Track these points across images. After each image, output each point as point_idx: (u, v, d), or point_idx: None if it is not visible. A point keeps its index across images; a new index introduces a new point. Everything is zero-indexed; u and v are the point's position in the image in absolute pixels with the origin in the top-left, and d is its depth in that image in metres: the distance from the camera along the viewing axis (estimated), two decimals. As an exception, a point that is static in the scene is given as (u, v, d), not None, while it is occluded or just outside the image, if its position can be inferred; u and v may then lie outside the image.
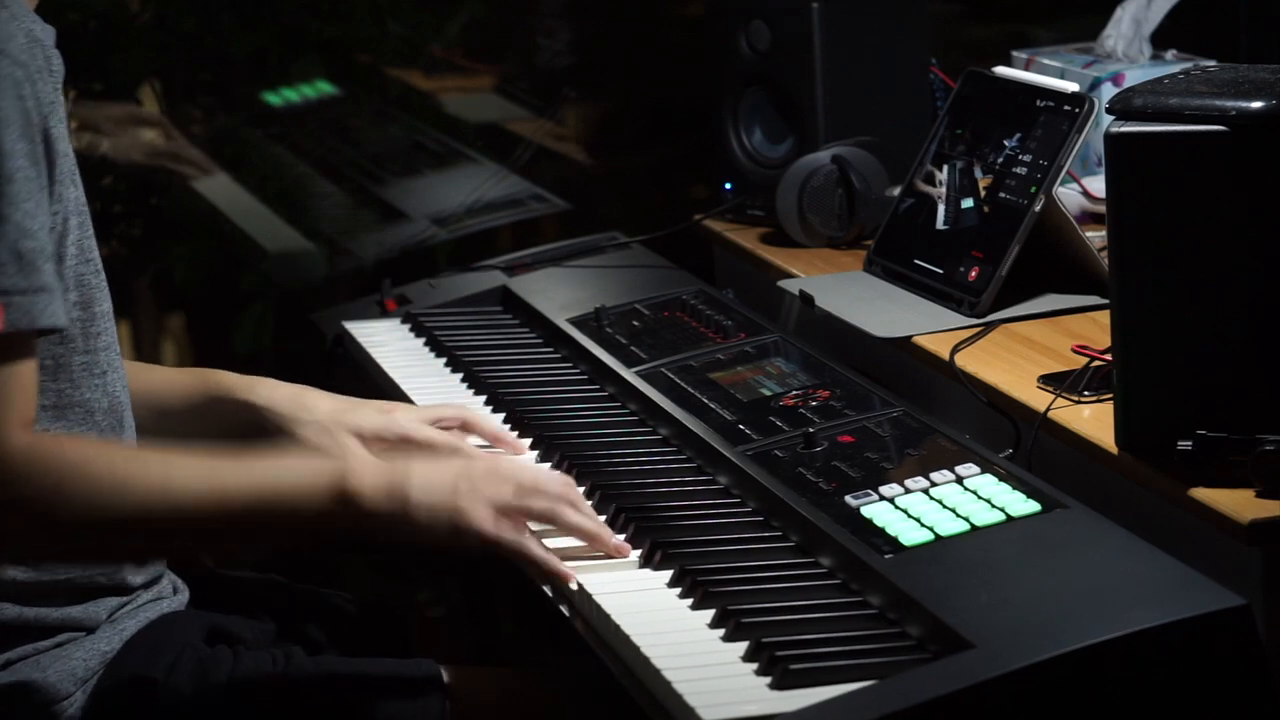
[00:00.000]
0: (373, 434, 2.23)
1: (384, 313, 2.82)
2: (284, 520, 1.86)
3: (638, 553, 1.99)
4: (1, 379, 1.78)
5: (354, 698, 2.07)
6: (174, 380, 2.28)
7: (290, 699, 2.04)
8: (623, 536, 2.04)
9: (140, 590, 2.07)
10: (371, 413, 2.26)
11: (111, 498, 1.79)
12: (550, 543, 1.98)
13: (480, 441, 2.28)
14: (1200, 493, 1.87)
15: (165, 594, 2.10)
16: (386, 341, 2.72)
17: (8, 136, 1.81)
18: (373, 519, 1.86)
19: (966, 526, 1.88)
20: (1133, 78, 2.76)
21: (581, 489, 2.16)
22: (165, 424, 2.25)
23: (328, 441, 2.21)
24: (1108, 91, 2.75)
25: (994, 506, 1.90)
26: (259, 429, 2.26)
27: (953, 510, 1.91)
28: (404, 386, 2.54)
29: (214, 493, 1.82)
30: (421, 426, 2.25)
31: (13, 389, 1.79)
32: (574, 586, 1.93)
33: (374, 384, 2.63)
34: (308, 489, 1.85)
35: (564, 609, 1.95)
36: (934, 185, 2.55)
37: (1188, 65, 2.36)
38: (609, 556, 1.97)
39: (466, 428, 2.27)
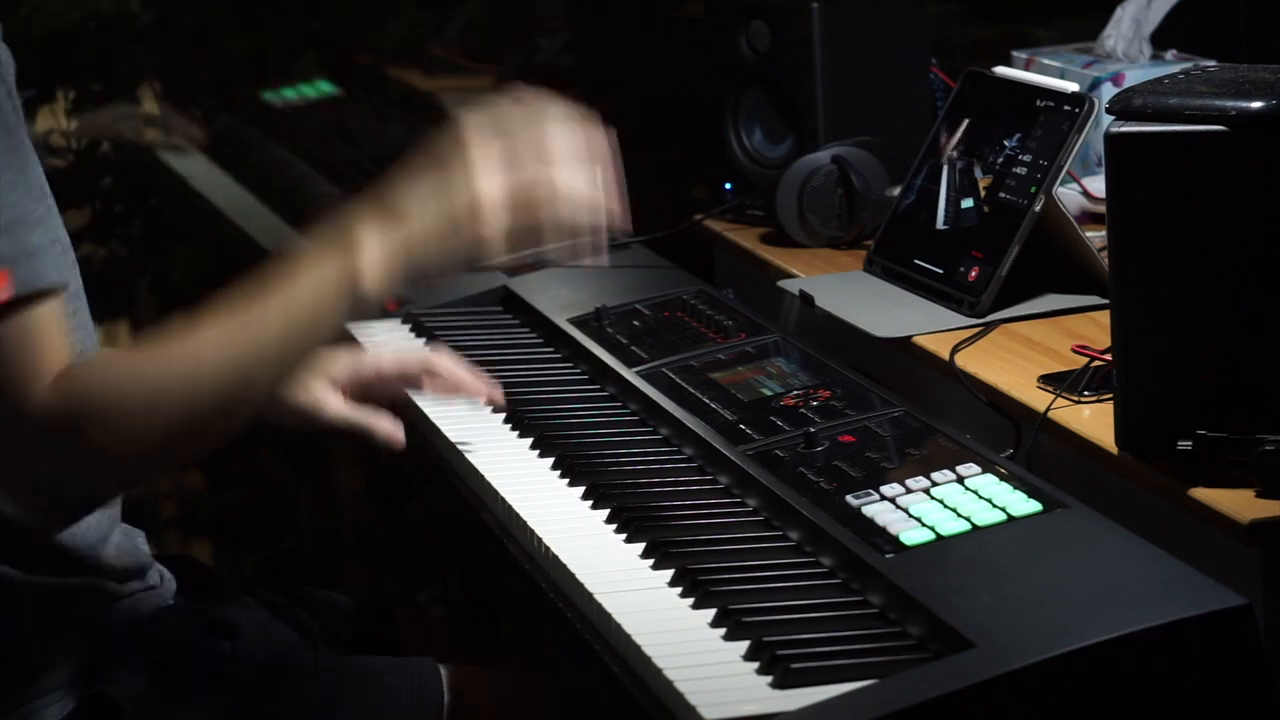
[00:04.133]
0: (346, 378, 2.26)
1: (384, 313, 2.82)
2: (313, 340, 1.83)
3: (638, 547, 1.99)
4: (16, 338, 1.77)
5: (351, 693, 2.07)
6: None
7: (287, 693, 2.05)
8: (623, 536, 2.04)
9: (133, 579, 2.07)
10: (343, 357, 2.27)
11: (150, 415, 1.77)
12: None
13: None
14: (1200, 493, 1.87)
15: (154, 582, 2.10)
16: (387, 341, 2.72)
17: None
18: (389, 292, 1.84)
19: (967, 526, 1.88)
20: (1133, 78, 2.76)
21: (581, 489, 2.17)
22: None
23: (304, 398, 2.21)
24: (1108, 91, 2.75)
25: (995, 506, 1.91)
26: None
27: (954, 510, 1.91)
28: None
29: (244, 360, 1.79)
30: (389, 356, 2.30)
31: (29, 346, 1.77)
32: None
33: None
34: (329, 303, 1.80)
35: (564, 608, 1.95)
36: (948, 154, 2.54)
37: (1188, 65, 2.36)
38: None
39: (430, 371, 2.28)
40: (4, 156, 1.80)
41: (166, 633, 2.06)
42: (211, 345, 1.79)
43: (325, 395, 2.23)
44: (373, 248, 1.78)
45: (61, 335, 1.80)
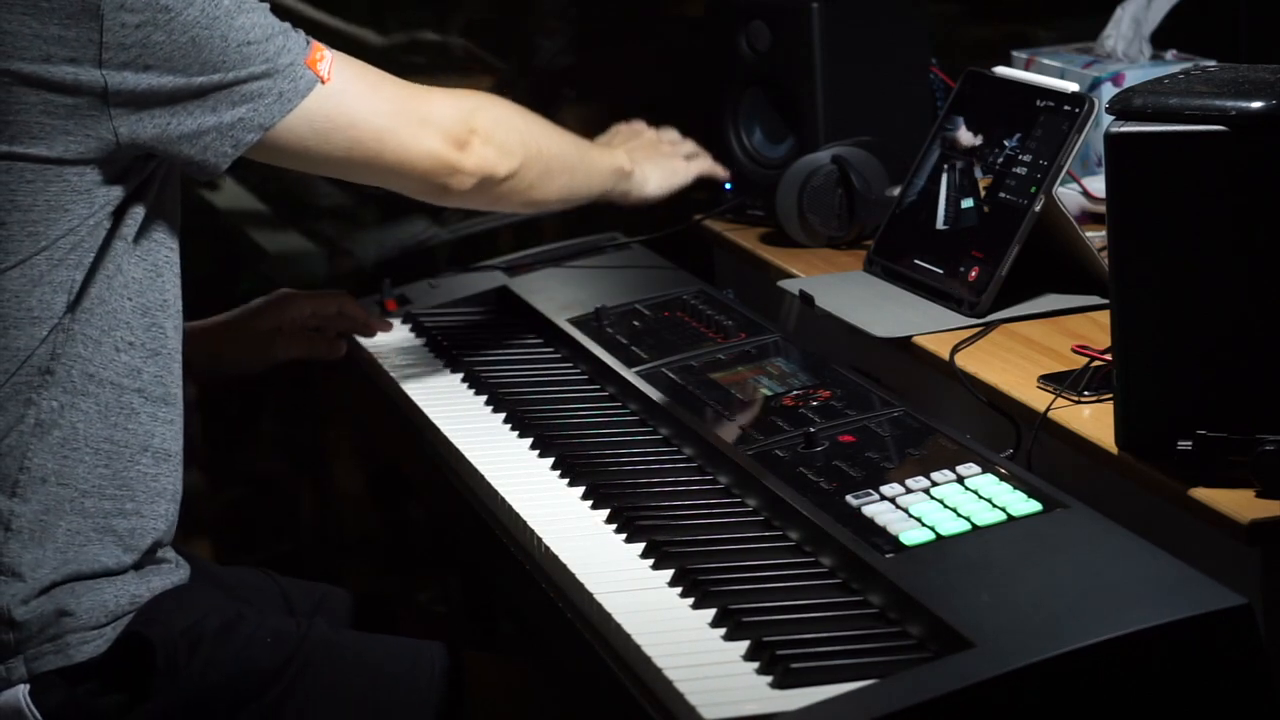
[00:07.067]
0: (286, 321, 2.67)
1: (384, 313, 2.82)
2: (598, 186, 2.57)
3: (638, 547, 2.00)
4: (388, 91, 2.22)
5: (363, 670, 2.10)
6: None
7: (302, 673, 2.06)
8: (623, 536, 2.04)
9: (155, 551, 2.10)
10: (273, 310, 2.68)
11: (539, 186, 2.41)
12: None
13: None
14: (1200, 493, 1.87)
15: (173, 559, 2.13)
16: (387, 341, 2.72)
17: None
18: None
19: (967, 526, 1.88)
20: (1133, 78, 2.76)
21: (581, 489, 2.17)
22: None
23: (259, 346, 2.67)
24: (1108, 91, 2.75)
25: (995, 506, 1.91)
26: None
27: (953, 510, 1.91)
28: (404, 386, 2.54)
29: (584, 170, 2.53)
30: (307, 296, 2.70)
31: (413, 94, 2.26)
32: None
33: (374, 384, 2.64)
34: (610, 173, 2.61)
35: (564, 608, 1.96)
36: (956, 146, 2.54)
37: (1188, 65, 2.36)
38: None
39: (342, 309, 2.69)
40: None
41: (197, 593, 2.11)
42: (576, 150, 2.53)
43: (274, 339, 2.66)
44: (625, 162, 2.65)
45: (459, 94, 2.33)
